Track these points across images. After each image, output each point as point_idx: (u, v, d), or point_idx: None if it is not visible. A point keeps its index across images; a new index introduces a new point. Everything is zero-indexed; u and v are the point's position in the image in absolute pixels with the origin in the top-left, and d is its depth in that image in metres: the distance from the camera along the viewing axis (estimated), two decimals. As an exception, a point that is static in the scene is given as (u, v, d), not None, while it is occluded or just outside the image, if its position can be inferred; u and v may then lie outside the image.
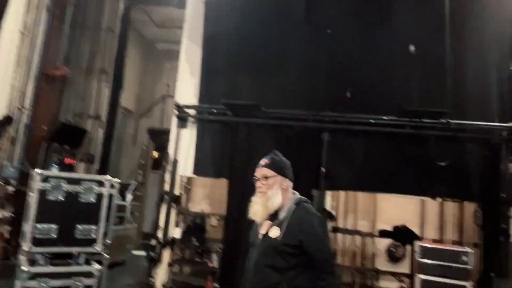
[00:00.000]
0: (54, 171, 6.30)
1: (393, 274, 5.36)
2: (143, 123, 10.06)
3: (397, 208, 6.00)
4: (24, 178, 5.46)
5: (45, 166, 6.44)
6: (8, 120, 5.59)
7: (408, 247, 5.48)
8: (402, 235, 4.95)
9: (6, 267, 5.29)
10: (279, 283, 1.96)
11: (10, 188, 5.74)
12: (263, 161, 2.24)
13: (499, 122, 4.73)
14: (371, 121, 4.90)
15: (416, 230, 5.36)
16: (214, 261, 5.45)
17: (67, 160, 6.79)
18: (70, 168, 6.77)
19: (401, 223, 5.12)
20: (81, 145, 7.11)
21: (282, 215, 2.11)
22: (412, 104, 4.81)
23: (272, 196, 2.12)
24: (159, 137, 8.69)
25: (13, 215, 5.74)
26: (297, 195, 2.23)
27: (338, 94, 5.05)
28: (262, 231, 2.13)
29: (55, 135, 6.52)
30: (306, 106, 5.16)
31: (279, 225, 2.08)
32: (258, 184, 2.19)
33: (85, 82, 7.50)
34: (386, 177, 4.94)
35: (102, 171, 7.31)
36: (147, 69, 10.52)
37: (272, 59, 5.36)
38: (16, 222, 5.16)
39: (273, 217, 2.13)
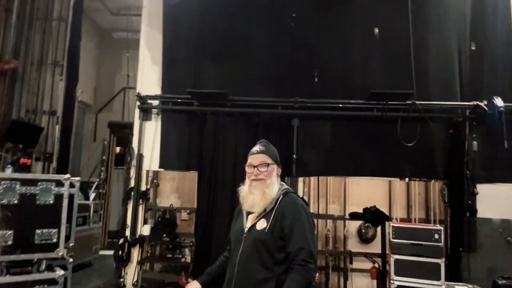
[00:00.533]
0: (8, 172, 5.85)
1: (365, 255, 5.45)
2: (102, 117, 9.58)
3: (366, 191, 6.12)
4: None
5: (-3, 168, 5.97)
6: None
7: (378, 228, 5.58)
8: (372, 217, 5.01)
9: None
10: (267, 280, 1.83)
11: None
12: (258, 148, 2.09)
13: (462, 101, 4.86)
14: (339, 105, 4.90)
15: (385, 210, 5.46)
16: (187, 256, 5.30)
17: (23, 160, 6.33)
18: (26, 168, 6.32)
19: (370, 204, 5.19)
20: (37, 143, 6.64)
21: (269, 206, 1.98)
22: (378, 87, 4.84)
23: (271, 184, 2.00)
24: (121, 131, 8.32)
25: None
26: (285, 185, 2.12)
27: (306, 79, 5.00)
28: (248, 224, 1.99)
29: (8, 133, 6.04)
30: (274, 93, 5.08)
31: (266, 217, 1.95)
32: (254, 171, 2.02)
33: (38, 75, 6.98)
34: (354, 161, 4.98)
35: (61, 169, 6.88)
36: (104, 60, 9.99)
37: (236, 44, 5.21)
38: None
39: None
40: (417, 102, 4.74)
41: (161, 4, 5.47)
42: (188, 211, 6.08)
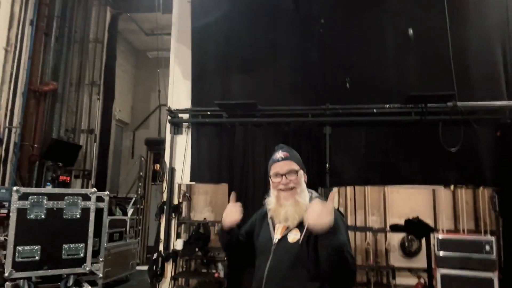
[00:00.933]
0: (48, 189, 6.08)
1: (410, 270, 5.07)
2: (140, 135, 9.84)
3: (408, 201, 5.75)
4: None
5: (39, 185, 6.22)
6: (-5, 140, 5.38)
7: (421, 240, 5.21)
8: (415, 228, 4.66)
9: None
10: None
11: (3, 211, 5.50)
12: (282, 154, 1.89)
13: (510, 100, 4.47)
14: (374, 110, 4.66)
15: (429, 221, 5.09)
16: (220, 271, 5.19)
17: (62, 178, 6.57)
18: (65, 185, 6.55)
19: (413, 215, 4.85)
20: (75, 161, 6.88)
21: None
22: (415, 90, 4.56)
23: (302, 191, 1.81)
24: (157, 148, 8.46)
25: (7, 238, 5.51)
26: (312, 191, 1.93)
27: (336, 85, 4.82)
28: (277, 235, 1.81)
29: (48, 152, 6.30)
30: (304, 101, 4.93)
31: (298, 227, 1.74)
32: (283, 180, 1.82)
33: (76, 95, 7.29)
34: (393, 168, 4.69)
35: (100, 186, 7.08)
36: (140, 79, 10.33)
37: (263, 54, 5.14)
38: (10, 246, 4.92)
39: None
40: (459, 103, 4.41)
41: (189, 20, 5.53)
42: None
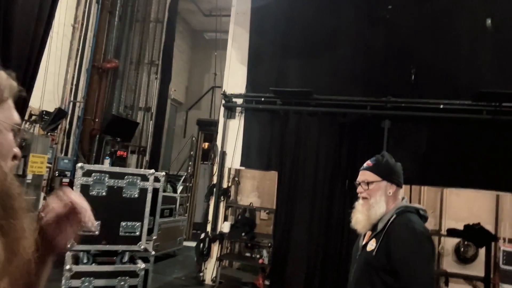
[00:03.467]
0: (107, 163, 6.41)
1: (465, 277, 4.78)
2: (192, 115, 10.03)
3: (468, 204, 5.38)
4: (78, 170, 5.57)
5: (98, 158, 6.56)
6: (61, 113, 5.71)
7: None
8: (476, 235, 4.35)
9: (62, 257, 5.46)
10: None
11: (66, 180, 5.89)
12: (366, 163, 1.93)
13: None
14: (440, 106, 4.34)
15: (490, 228, 4.73)
16: (264, 258, 5.21)
17: (120, 152, 6.88)
18: (122, 160, 6.86)
19: (472, 220, 4.52)
20: (132, 137, 7.17)
21: (381, 224, 1.78)
22: (489, 86, 4.17)
23: (374, 204, 1.81)
24: (208, 129, 8.60)
25: (69, 206, 5.91)
26: (404, 202, 1.86)
27: (400, 76, 4.54)
28: (363, 242, 1.87)
29: (108, 127, 6.60)
30: (363, 92, 4.70)
31: (376, 237, 1.77)
32: (359, 189, 1.89)
33: (135, 74, 7.53)
34: (456, 170, 4.37)
35: (153, 163, 7.35)
36: (195, 60, 10.46)
37: (323, 40, 4.94)
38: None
39: (376, 227, 1.82)
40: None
41: (250, 2, 5.44)
42: (268, 211, 5.99)
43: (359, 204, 1.88)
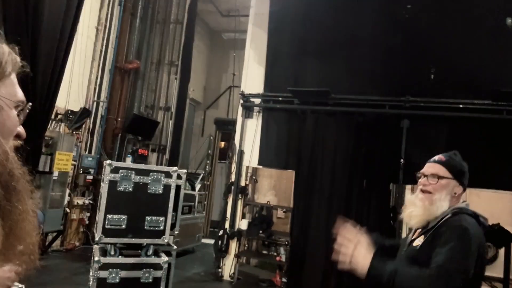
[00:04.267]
0: (129, 161, 6.59)
1: (484, 278, 4.73)
2: (210, 114, 10.17)
3: (488, 205, 5.32)
4: (101, 168, 5.75)
5: (120, 156, 6.75)
6: (86, 112, 5.91)
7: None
8: (495, 236, 4.31)
9: (86, 251, 5.66)
10: None
11: (89, 177, 6.09)
12: (438, 157, 1.81)
13: None
14: (460, 106, 4.32)
15: (509, 229, 4.68)
16: (282, 255, 5.28)
17: (141, 151, 7.06)
18: (143, 158, 7.04)
19: (492, 221, 4.49)
20: (153, 136, 7.34)
21: (433, 222, 1.70)
22: (509, 86, 4.14)
23: (438, 200, 1.70)
24: (225, 128, 8.71)
25: (92, 202, 6.11)
26: (464, 204, 1.78)
27: (419, 76, 4.55)
28: (410, 238, 1.80)
29: (129, 126, 6.78)
30: (382, 91, 4.72)
31: (425, 233, 1.70)
32: (423, 181, 1.76)
33: (156, 74, 7.70)
34: (476, 170, 4.29)
35: (173, 161, 7.50)
36: (213, 60, 10.59)
37: (341, 40, 4.97)
38: (95, 209, 5.45)
39: (428, 224, 1.73)
40: None
41: (268, 3, 5.52)
42: (284, 209, 6.06)
43: (416, 198, 1.76)
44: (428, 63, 4.51)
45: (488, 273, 5.04)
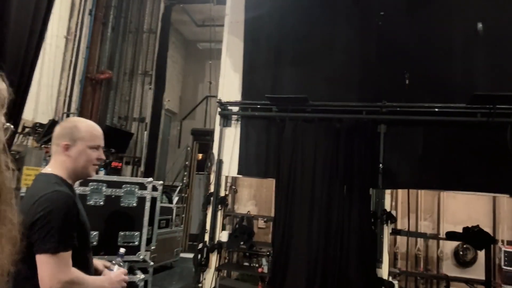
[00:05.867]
0: (101, 174, 6.33)
1: (466, 281, 4.76)
2: (186, 125, 10.01)
3: (465, 207, 5.41)
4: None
5: (92, 170, 6.48)
6: (55, 124, 5.65)
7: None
8: (475, 238, 4.35)
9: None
10: None
11: (60, 192, 5.80)
12: None
13: None
14: (435, 109, 4.37)
15: (488, 231, 4.74)
16: (264, 266, 5.15)
17: (114, 164, 6.81)
18: (117, 171, 6.79)
19: (470, 223, 4.54)
20: (127, 148, 7.11)
21: None
22: (483, 89, 4.21)
23: None
24: (203, 138, 8.58)
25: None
26: None
27: (394, 81, 4.57)
28: None
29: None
30: (359, 97, 4.72)
31: None
32: None
33: (129, 85, 7.51)
34: (452, 173, 4.38)
35: (148, 173, 7.28)
36: (189, 70, 10.48)
37: (317, 47, 4.97)
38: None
39: None
40: (533, 105, 4.03)
41: (243, 11, 5.47)
42: (265, 219, 5.96)
43: None
44: (403, 68, 4.54)
45: (469, 275, 5.08)
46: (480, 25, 4.43)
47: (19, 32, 4.51)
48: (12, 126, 0.69)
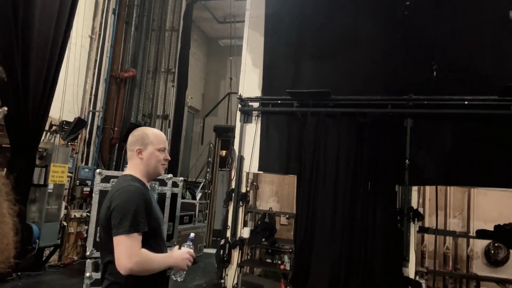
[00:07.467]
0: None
1: (497, 281, 4.55)
2: (209, 121, 10.06)
3: (496, 204, 5.15)
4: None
5: (118, 166, 6.61)
6: (81, 122, 5.78)
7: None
8: (506, 236, 4.15)
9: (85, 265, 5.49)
10: None
11: (86, 189, 5.94)
12: None
13: None
14: (465, 102, 4.17)
15: (521, 229, 4.51)
16: (286, 263, 5.10)
17: (138, 160, 6.91)
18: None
19: (502, 221, 4.33)
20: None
21: None
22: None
23: None
24: (225, 135, 8.59)
25: (90, 214, 5.96)
26: None
27: (421, 74, 4.40)
28: None
29: (126, 136, 6.63)
30: (384, 91, 4.58)
31: None
32: None
33: (153, 82, 7.60)
34: (482, 168, 4.19)
35: (172, 170, 7.35)
36: (211, 67, 10.52)
37: (339, 40, 4.85)
38: (92, 222, 5.30)
39: None
40: None
41: (263, 6, 5.42)
42: (287, 216, 5.89)
43: None
44: (430, 59, 4.37)
45: (500, 275, 4.85)
46: (511, 14, 4.20)
47: (44, 33, 4.63)
48: (6, 108, 0.70)
